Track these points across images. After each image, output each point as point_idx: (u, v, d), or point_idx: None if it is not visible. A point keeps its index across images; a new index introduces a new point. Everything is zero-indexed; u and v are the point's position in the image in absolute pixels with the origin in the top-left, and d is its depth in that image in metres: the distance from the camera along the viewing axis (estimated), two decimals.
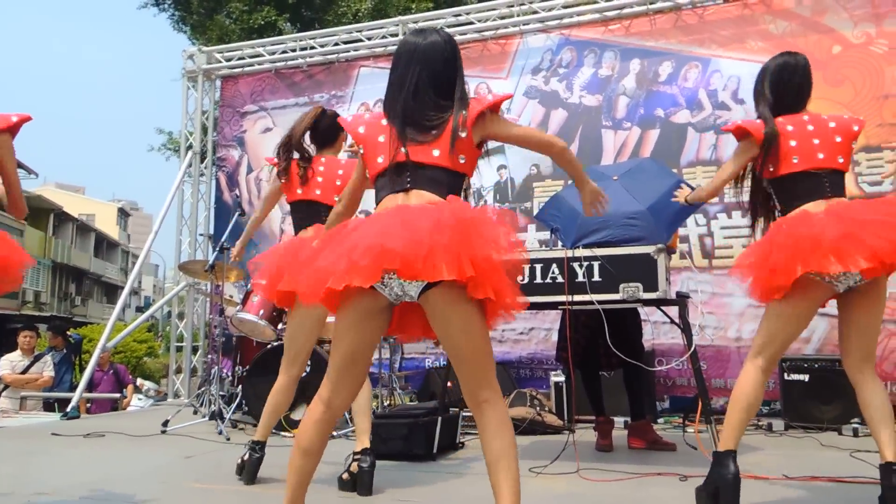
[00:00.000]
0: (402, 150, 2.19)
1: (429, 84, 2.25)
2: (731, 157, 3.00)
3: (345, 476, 3.23)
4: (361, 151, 2.33)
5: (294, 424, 4.41)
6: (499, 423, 2.05)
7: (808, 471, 3.39)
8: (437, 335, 2.15)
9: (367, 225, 2.10)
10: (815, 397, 4.72)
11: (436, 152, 2.19)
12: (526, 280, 3.97)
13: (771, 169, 2.80)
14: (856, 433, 4.42)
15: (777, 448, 4.15)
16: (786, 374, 4.81)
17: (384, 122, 2.28)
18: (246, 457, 3.42)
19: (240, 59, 7.94)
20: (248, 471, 3.38)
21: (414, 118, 2.22)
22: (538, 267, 3.96)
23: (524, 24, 6.80)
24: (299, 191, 3.47)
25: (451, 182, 2.20)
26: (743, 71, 5.91)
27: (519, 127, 2.69)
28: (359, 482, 3.16)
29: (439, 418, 4.06)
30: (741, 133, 2.91)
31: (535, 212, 6.24)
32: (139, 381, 9.83)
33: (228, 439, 4.71)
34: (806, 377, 4.75)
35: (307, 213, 3.46)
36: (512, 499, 1.97)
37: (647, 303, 3.85)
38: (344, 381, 2.16)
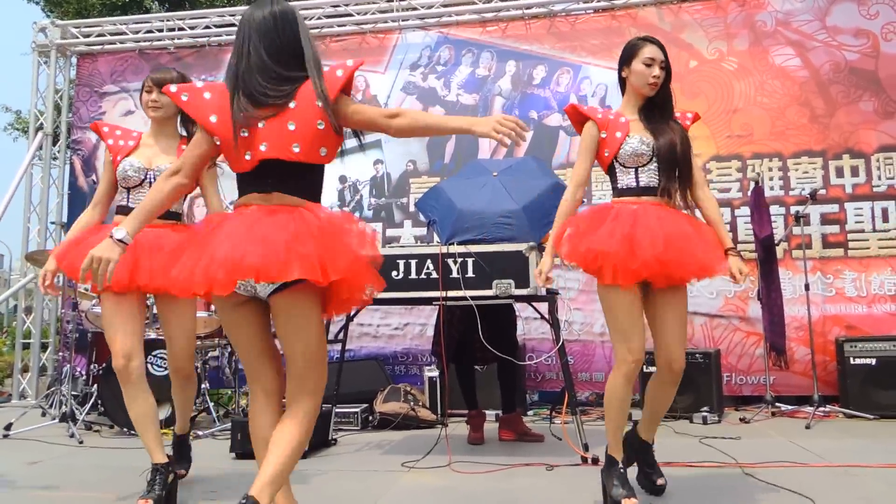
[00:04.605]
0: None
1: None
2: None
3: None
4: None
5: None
6: (292, 421, 2.09)
7: (663, 457, 3.58)
8: (278, 334, 2.18)
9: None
10: None
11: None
12: (401, 276, 3.98)
13: None
14: (705, 421, 4.75)
15: None
16: (644, 367, 5.06)
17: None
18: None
19: (99, 35, 7.41)
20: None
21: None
22: (413, 263, 3.98)
23: (403, 21, 6.80)
24: None
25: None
26: (610, 79, 6.20)
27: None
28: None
29: None
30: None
31: (412, 208, 6.26)
32: None
33: (81, 442, 4.41)
34: None
35: None
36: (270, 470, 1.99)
37: (518, 299, 3.96)
38: (260, 367, 2.20)
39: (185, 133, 3.29)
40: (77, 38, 7.41)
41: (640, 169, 2.80)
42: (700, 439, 4.16)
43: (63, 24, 7.60)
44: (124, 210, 3.17)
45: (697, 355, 5.02)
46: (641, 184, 2.80)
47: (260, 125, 2.11)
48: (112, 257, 2.00)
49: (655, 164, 2.79)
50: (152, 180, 3.16)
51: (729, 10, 6.10)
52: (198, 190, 3.24)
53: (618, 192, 2.86)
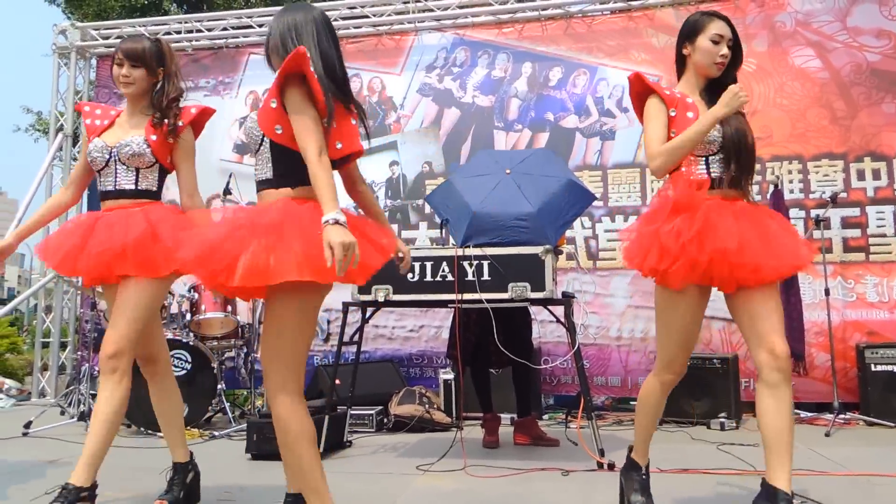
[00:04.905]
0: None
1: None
2: None
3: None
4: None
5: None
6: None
7: (680, 464, 3.58)
8: None
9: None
10: (687, 394, 4.98)
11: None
12: (416, 278, 3.98)
13: None
14: (723, 427, 4.70)
15: (653, 443, 4.34)
16: None
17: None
18: None
19: (118, 37, 7.48)
20: None
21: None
22: (428, 265, 3.98)
23: (419, 22, 6.79)
24: None
25: None
26: (627, 81, 6.15)
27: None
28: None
29: (327, 416, 3.99)
30: None
31: (427, 210, 6.25)
32: (0, 379, 9.07)
33: None
34: None
35: None
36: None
37: (534, 302, 3.94)
38: (303, 366, 2.24)
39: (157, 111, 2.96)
40: (96, 39, 7.49)
41: (710, 158, 2.49)
42: (717, 446, 4.12)
43: (82, 26, 7.68)
44: (104, 194, 2.86)
45: (715, 360, 4.98)
46: (713, 174, 2.48)
47: (353, 121, 2.26)
48: (353, 240, 1.97)
49: (721, 154, 2.48)
50: (117, 159, 2.84)
51: (748, 10, 6.04)
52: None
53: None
